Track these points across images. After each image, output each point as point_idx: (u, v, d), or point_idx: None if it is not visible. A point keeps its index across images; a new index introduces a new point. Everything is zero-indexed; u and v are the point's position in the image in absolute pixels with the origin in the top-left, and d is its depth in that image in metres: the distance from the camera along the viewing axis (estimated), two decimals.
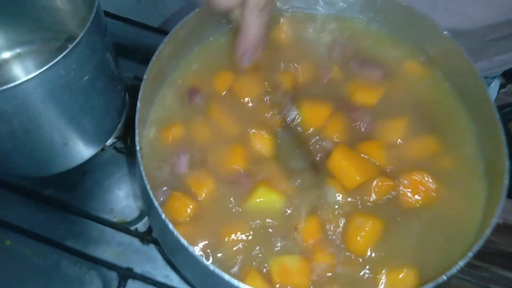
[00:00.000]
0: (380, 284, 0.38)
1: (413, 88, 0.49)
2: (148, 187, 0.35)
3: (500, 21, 0.59)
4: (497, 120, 0.39)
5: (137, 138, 0.38)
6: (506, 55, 0.69)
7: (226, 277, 0.32)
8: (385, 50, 0.52)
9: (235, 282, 0.32)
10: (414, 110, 0.47)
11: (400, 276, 0.38)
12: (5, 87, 0.38)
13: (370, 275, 0.38)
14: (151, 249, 0.53)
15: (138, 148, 0.37)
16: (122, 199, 0.58)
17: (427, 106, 0.47)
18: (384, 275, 0.38)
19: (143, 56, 0.68)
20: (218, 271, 0.32)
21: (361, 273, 0.38)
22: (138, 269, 0.51)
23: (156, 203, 0.35)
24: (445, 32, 0.45)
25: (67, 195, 0.57)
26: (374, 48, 0.52)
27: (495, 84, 1.06)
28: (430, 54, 0.50)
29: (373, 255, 0.39)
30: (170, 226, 0.34)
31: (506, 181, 0.36)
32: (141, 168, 0.36)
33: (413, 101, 0.48)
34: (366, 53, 0.51)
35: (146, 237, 0.53)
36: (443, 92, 0.49)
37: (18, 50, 0.61)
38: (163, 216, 0.34)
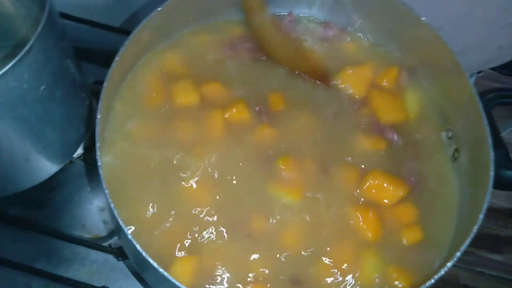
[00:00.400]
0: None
1: None
2: (112, 205, 0.32)
3: None
4: (480, 110, 0.37)
5: (97, 153, 0.35)
6: None
7: None
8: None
9: None
10: None
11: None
12: None
13: None
14: (127, 264, 0.51)
15: (99, 164, 0.34)
16: (95, 214, 0.55)
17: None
18: None
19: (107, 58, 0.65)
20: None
21: None
22: (114, 287, 0.49)
23: (122, 224, 0.32)
24: (423, 18, 0.43)
25: (35, 213, 0.54)
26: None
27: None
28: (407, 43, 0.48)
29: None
30: (138, 246, 0.31)
31: (491, 172, 0.34)
32: (105, 186, 0.33)
33: None
34: None
35: (120, 253, 0.50)
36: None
37: None
38: (130, 236, 0.31)
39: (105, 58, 0.62)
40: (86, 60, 0.55)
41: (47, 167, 0.50)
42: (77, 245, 0.51)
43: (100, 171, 0.34)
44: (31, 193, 0.53)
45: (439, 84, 0.46)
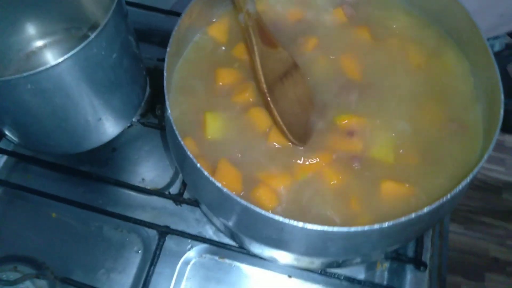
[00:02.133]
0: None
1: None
2: (181, 140, 0.40)
3: None
4: (492, 58, 0.43)
5: (167, 103, 0.42)
6: None
7: (258, 210, 0.36)
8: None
9: (267, 214, 0.36)
10: None
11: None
12: (48, 66, 0.43)
13: None
14: (184, 209, 0.59)
15: (168, 112, 0.42)
16: (151, 170, 0.63)
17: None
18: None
19: (159, 38, 0.73)
20: (252, 206, 0.37)
21: None
22: (174, 227, 0.57)
23: (190, 154, 0.40)
24: None
25: (101, 170, 0.63)
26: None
27: (501, 43, 1.07)
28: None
29: None
30: (205, 173, 0.39)
31: (501, 111, 0.40)
32: (174, 126, 0.41)
33: None
34: None
35: (178, 198, 0.58)
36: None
37: (45, 41, 0.66)
38: (198, 165, 0.39)
39: (161, 38, 0.71)
40: (142, 40, 0.62)
41: (114, 127, 0.59)
42: (139, 193, 0.59)
43: (168, 112, 0.41)
44: (96, 154, 0.62)
45: (464, 45, 0.51)
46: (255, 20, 0.51)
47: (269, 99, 0.47)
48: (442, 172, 0.45)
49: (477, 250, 1.45)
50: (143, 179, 0.62)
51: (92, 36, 0.44)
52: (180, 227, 0.58)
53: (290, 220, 0.36)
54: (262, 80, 0.48)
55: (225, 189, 0.38)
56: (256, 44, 0.50)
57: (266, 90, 0.47)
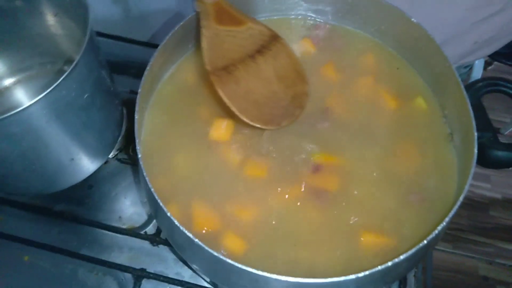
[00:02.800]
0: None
1: None
2: (151, 188, 0.39)
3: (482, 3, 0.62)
4: (465, 97, 0.43)
5: (138, 148, 0.41)
6: (491, 33, 0.70)
7: (231, 262, 0.35)
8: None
9: (241, 266, 0.35)
10: None
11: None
12: (14, 111, 0.41)
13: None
14: (161, 250, 0.57)
15: (139, 156, 0.41)
16: (129, 207, 0.61)
17: None
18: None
19: (135, 70, 0.72)
20: (224, 258, 0.36)
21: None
22: (151, 269, 0.55)
23: (161, 203, 0.38)
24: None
25: (77, 209, 0.61)
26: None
27: (480, 63, 1.09)
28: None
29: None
30: (176, 222, 0.37)
31: (475, 150, 0.39)
32: (144, 173, 0.40)
33: None
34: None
35: (155, 238, 0.56)
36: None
37: (18, 77, 0.64)
38: (169, 214, 0.38)
39: (137, 70, 0.71)
40: (119, 72, 0.62)
41: (88, 166, 0.57)
42: (115, 233, 0.58)
43: (140, 160, 0.40)
44: (72, 191, 0.60)
45: (434, 79, 0.52)
46: (209, 4, 0.50)
47: (213, 79, 0.46)
48: (417, 212, 0.44)
49: (466, 269, 1.44)
50: (120, 217, 0.61)
51: (60, 79, 0.43)
52: (159, 268, 0.56)
53: (263, 272, 0.35)
54: (206, 61, 0.47)
55: (196, 240, 0.36)
56: (205, 27, 0.48)
57: (210, 69, 0.46)
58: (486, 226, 1.54)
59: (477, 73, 1.05)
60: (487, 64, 1.70)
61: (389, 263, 0.35)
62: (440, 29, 0.51)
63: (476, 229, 1.52)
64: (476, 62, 0.95)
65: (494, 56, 1.57)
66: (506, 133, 1.60)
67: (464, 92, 0.43)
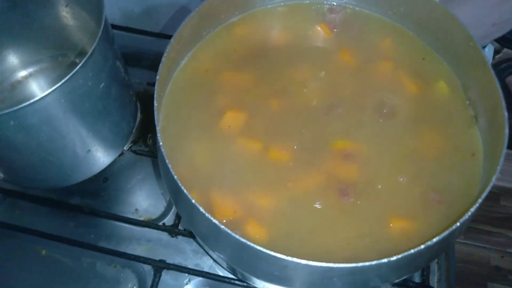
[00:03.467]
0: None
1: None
2: (174, 175, 0.38)
3: None
4: (493, 76, 0.41)
5: (158, 135, 0.40)
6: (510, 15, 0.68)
7: (259, 248, 0.34)
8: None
9: (270, 252, 0.34)
10: None
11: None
12: (32, 100, 0.40)
13: None
14: (180, 241, 0.56)
15: (160, 144, 0.40)
16: (145, 199, 0.61)
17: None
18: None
19: (148, 62, 0.71)
20: (251, 244, 0.35)
21: None
22: (170, 261, 0.54)
23: (185, 190, 0.38)
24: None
25: (93, 202, 0.60)
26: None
27: (489, 50, 1.07)
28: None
29: None
30: (201, 209, 0.37)
31: (506, 130, 0.38)
32: (166, 160, 0.39)
33: None
34: None
35: (173, 230, 0.55)
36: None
37: (29, 70, 0.64)
38: (193, 201, 0.37)
39: (151, 62, 0.70)
40: (131, 64, 0.61)
41: (104, 158, 0.57)
42: (133, 225, 0.57)
43: (162, 149, 0.39)
44: (88, 184, 0.59)
45: (457, 60, 0.50)
46: None
47: None
48: (446, 199, 0.43)
49: (478, 259, 1.43)
50: (136, 209, 0.60)
51: (77, 67, 0.42)
52: (177, 259, 0.55)
53: (293, 258, 0.34)
54: None
55: (222, 226, 0.36)
56: None
57: None
58: (498, 216, 1.53)
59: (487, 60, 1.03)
60: (496, 52, 1.69)
61: (422, 246, 0.34)
62: (461, 12, 0.50)
63: (487, 219, 1.51)
64: (486, 49, 0.94)
65: (503, 43, 1.55)
66: None
67: (492, 72, 0.41)
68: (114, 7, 0.82)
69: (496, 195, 1.56)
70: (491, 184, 0.37)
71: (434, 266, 0.54)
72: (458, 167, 0.46)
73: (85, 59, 0.42)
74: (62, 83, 0.42)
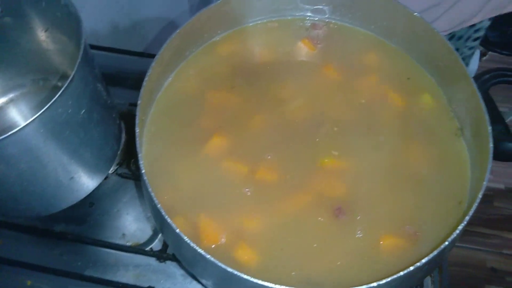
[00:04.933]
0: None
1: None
2: (157, 204, 0.37)
3: None
4: (476, 89, 0.41)
5: (140, 162, 0.39)
6: None
7: (246, 277, 0.33)
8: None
9: (258, 281, 0.33)
10: None
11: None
12: (10, 132, 0.39)
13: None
14: (169, 266, 0.55)
15: (143, 171, 0.39)
16: (132, 223, 0.59)
17: None
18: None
19: (132, 82, 0.71)
20: (238, 273, 0.34)
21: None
22: (159, 287, 0.53)
23: (168, 219, 0.37)
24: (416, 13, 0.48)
25: (78, 228, 0.59)
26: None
27: (476, 55, 1.08)
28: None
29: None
30: (186, 238, 0.36)
31: (490, 144, 0.38)
32: (149, 188, 0.38)
33: None
34: None
35: (161, 255, 0.54)
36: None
37: (10, 95, 0.62)
38: (177, 230, 0.36)
39: (134, 81, 0.69)
40: (115, 84, 0.60)
41: (88, 184, 0.55)
42: (120, 251, 0.56)
43: (144, 176, 0.38)
44: (73, 210, 0.58)
45: (440, 73, 0.50)
46: None
47: None
48: (433, 212, 0.43)
49: (474, 262, 1.43)
50: (123, 234, 0.58)
51: (56, 96, 0.41)
52: (166, 284, 0.54)
53: (281, 286, 0.33)
54: None
55: (208, 256, 0.35)
56: None
57: None
58: (492, 218, 1.53)
59: (474, 64, 1.04)
60: (482, 55, 1.71)
61: (411, 268, 0.33)
62: None
63: (482, 221, 1.51)
64: (474, 56, 0.94)
65: (488, 46, 1.57)
66: (505, 122, 1.59)
67: (474, 85, 0.41)
68: (97, 25, 0.82)
69: (489, 197, 1.56)
70: (477, 200, 0.36)
71: (427, 280, 0.53)
72: (447, 178, 0.45)
73: (63, 87, 0.41)
74: (42, 113, 0.41)
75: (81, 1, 0.84)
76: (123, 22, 0.92)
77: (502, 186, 1.59)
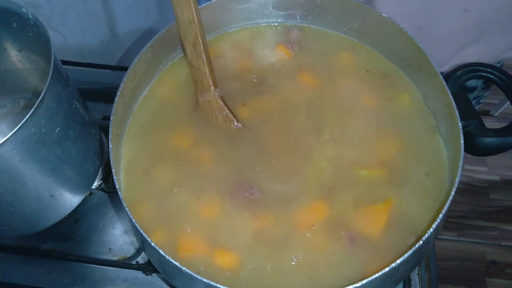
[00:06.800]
0: None
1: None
2: (136, 223, 0.37)
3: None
4: (445, 87, 0.41)
5: (114, 177, 0.39)
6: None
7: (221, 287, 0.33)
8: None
9: None
10: None
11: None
12: None
13: None
14: (156, 278, 0.55)
15: (117, 187, 0.39)
16: (118, 237, 0.59)
17: None
18: None
19: (104, 95, 0.70)
20: (215, 284, 0.34)
21: None
22: None
23: (145, 235, 0.37)
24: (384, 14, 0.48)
25: (64, 245, 0.59)
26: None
27: None
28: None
29: None
30: (166, 256, 0.36)
31: (461, 141, 0.38)
32: (124, 203, 0.38)
33: None
34: None
35: (147, 267, 0.54)
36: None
37: None
38: (153, 244, 0.36)
39: (108, 95, 0.69)
40: (91, 99, 0.60)
41: (71, 201, 0.55)
42: (107, 267, 0.56)
43: (119, 193, 0.38)
44: (58, 228, 0.58)
45: (413, 72, 0.51)
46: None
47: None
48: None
49: (473, 255, 1.42)
50: (110, 249, 0.58)
51: (26, 117, 0.41)
52: None
53: None
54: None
55: (184, 268, 0.35)
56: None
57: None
58: (488, 210, 1.53)
59: None
60: None
61: (386, 269, 0.33)
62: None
63: (479, 214, 1.51)
64: None
65: None
66: (496, 114, 1.59)
67: (444, 83, 0.42)
68: (82, 38, 0.82)
69: (484, 189, 1.56)
70: (449, 201, 0.36)
71: (415, 279, 0.53)
72: (427, 174, 0.45)
73: (34, 107, 0.41)
74: (13, 134, 0.41)
75: (63, 18, 0.85)
76: (106, 37, 0.92)
77: (497, 178, 1.58)
